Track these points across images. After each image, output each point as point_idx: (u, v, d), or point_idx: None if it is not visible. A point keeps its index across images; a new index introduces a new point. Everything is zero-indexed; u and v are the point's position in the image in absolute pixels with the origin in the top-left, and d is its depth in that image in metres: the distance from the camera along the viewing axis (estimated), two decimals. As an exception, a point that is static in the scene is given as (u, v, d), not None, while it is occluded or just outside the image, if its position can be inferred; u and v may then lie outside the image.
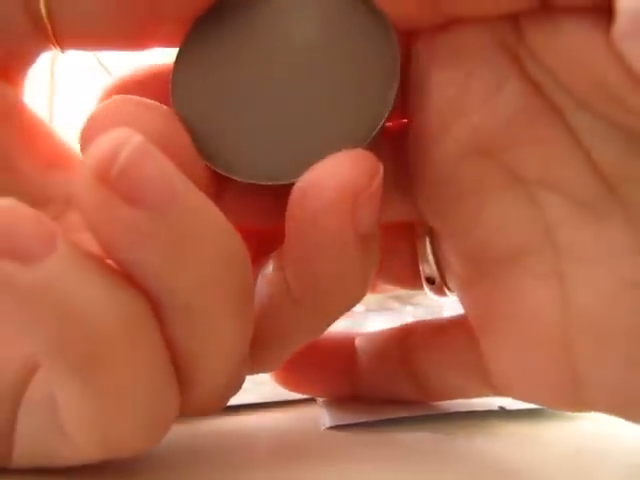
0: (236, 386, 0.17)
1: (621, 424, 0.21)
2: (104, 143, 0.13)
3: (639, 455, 0.19)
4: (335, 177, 0.15)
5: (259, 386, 0.23)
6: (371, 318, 0.38)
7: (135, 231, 0.13)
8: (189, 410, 0.16)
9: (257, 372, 0.19)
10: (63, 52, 0.18)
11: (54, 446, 0.15)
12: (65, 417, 0.14)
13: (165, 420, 0.15)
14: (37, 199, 0.19)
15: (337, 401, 0.23)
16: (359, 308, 0.38)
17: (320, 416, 0.22)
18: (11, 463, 0.16)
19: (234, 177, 0.17)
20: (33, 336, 0.13)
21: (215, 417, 0.21)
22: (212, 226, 0.14)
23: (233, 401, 0.21)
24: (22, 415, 0.15)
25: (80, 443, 0.14)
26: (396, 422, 0.21)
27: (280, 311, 0.17)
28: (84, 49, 0.18)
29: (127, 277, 0.14)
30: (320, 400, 0.23)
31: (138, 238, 0.13)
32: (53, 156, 0.19)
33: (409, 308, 0.40)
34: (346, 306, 0.17)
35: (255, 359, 0.17)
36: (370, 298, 0.42)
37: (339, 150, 0.15)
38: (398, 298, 0.43)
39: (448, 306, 0.38)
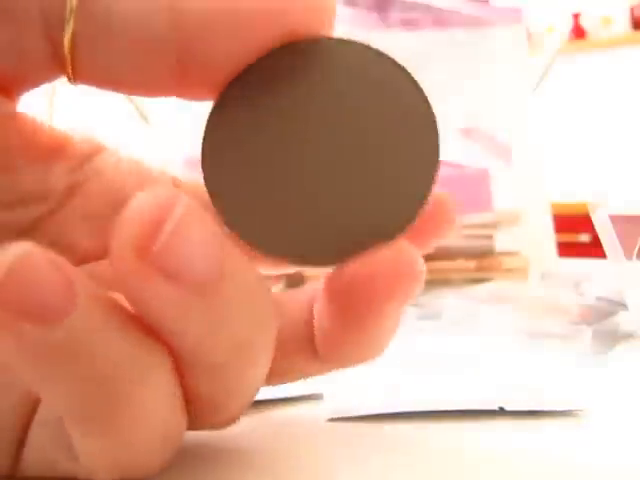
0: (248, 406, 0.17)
1: (622, 425, 0.21)
2: (146, 206, 0.12)
3: (639, 455, 0.19)
4: (389, 272, 0.15)
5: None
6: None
7: (175, 307, 0.12)
8: (200, 428, 0.17)
9: None
10: (75, 84, 0.17)
11: (62, 466, 0.15)
12: (78, 452, 0.14)
13: (173, 448, 0.15)
14: (37, 194, 0.19)
15: (339, 394, 0.23)
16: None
17: (321, 409, 0.22)
18: (16, 474, 0.16)
19: (262, 253, 0.16)
20: (52, 394, 0.13)
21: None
22: (252, 294, 0.14)
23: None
24: (32, 436, 0.15)
25: (87, 463, 0.14)
26: (396, 416, 0.21)
27: (298, 357, 0.18)
28: (99, 87, 0.17)
29: (148, 328, 0.13)
30: (322, 394, 0.23)
31: (178, 314, 0.13)
32: (50, 148, 0.19)
33: (409, 308, 0.40)
34: (363, 363, 0.18)
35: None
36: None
37: (372, 241, 0.16)
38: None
39: (448, 306, 0.38)
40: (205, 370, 0.14)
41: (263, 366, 0.15)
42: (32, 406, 0.15)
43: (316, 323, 0.18)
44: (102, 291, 0.13)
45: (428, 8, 0.56)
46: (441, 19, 0.56)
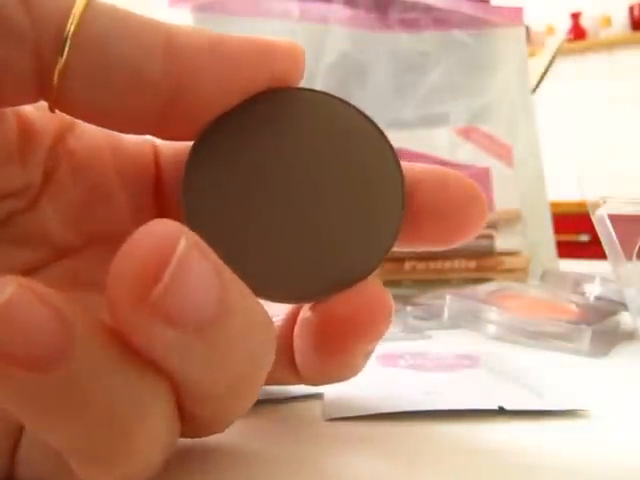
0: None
1: (622, 425, 0.21)
2: (145, 246, 0.11)
3: (639, 455, 0.19)
4: (360, 311, 0.17)
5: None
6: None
7: (176, 350, 0.12)
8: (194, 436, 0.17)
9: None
10: (53, 112, 0.17)
11: (56, 473, 0.15)
12: (77, 473, 0.14)
13: (165, 455, 0.15)
14: (13, 189, 0.18)
15: (338, 394, 0.23)
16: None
17: (319, 409, 0.22)
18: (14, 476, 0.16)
19: None
20: (51, 437, 0.12)
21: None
22: (254, 328, 0.14)
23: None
24: (24, 443, 0.15)
25: (78, 472, 0.14)
26: (395, 417, 0.21)
27: (276, 373, 0.19)
28: (76, 117, 0.17)
29: (144, 362, 0.13)
30: (321, 393, 0.23)
31: (179, 356, 0.12)
32: (22, 139, 0.18)
33: (409, 308, 0.40)
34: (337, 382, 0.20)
35: None
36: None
37: (353, 274, 0.17)
38: (398, 298, 0.43)
39: (449, 306, 0.38)
40: (203, 400, 0.14)
41: (258, 391, 0.16)
42: (18, 428, 0.15)
43: (295, 345, 0.19)
44: (97, 322, 0.12)
45: (428, 8, 0.56)
46: (441, 19, 0.56)
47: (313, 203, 0.17)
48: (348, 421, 0.21)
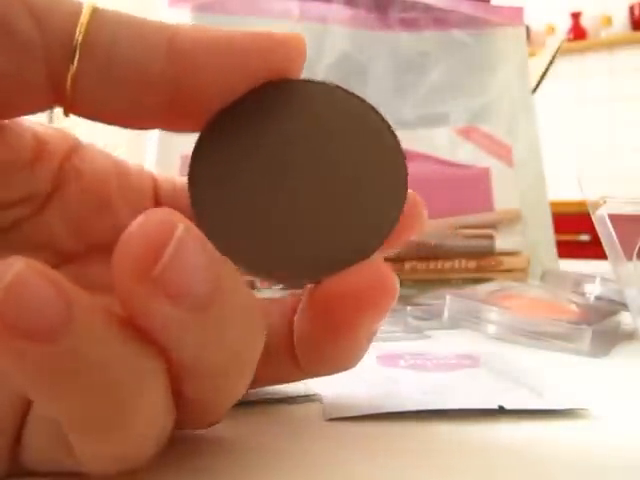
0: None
1: (622, 424, 0.21)
2: (147, 229, 0.12)
3: (639, 455, 0.19)
4: (363, 289, 0.17)
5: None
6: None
7: (175, 325, 0.13)
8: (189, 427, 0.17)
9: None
10: (67, 116, 0.18)
11: (60, 456, 0.15)
12: (76, 451, 0.14)
13: (162, 440, 0.16)
14: (20, 198, 0.19)
15: (338, 394, 0.23)
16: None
17: (319, 410, 0.22)
18: (21, 465, 0.16)
19: (250, 274, 0.17)
20: (53, 407, 0.13)
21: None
22: (246, 310, 0.15)
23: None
24: (29, 428, 0.15)
25: (88, 464, 0.15)
26: (395, 417, 0.21)
27: (275, 365, 0.19)
28: (90, 119, 0.18)
29: (146, 337, 0.14)
30: (321, 393, 0.23)
31: (178, 331, 0.13)
32: (32, 151, 0.19)
33: (409, 308, 0.40)
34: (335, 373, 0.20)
35: None
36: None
37: (355, 253, 0.17)
38: (398, 298, 0.42)
39: (449, 306, 0.38)
40: (199, 379, 0.15)
41: (250, 374, 0.16)
42: (24, 406, 0.15)
43: (296, 332, 0.19)
44: (98, 300, 0.13)
45: (428, 8, 0.56)
46: (441, 19, 0.56)
47: (316, 186, 0.18)
48: (348, 421, 0.21)
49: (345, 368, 0.19)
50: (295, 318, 0.19)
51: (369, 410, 0.21)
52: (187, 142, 0.18)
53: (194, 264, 0.12)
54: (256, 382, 0.17)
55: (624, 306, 0.34)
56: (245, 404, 0.22)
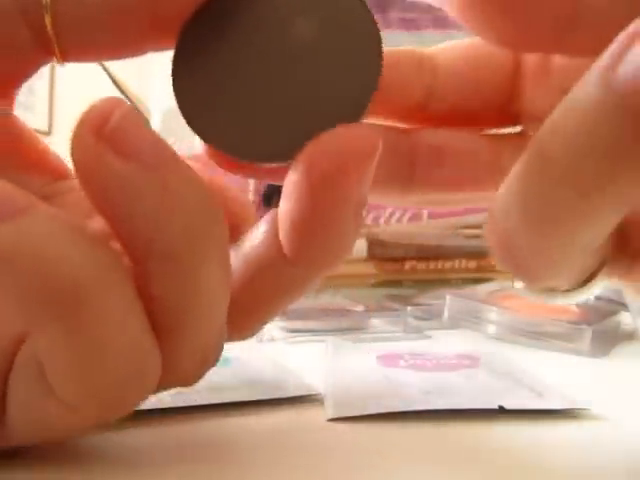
0: (216, 353, 0.17)
1: (622, 424, 0.21)
2: (99, 105, 0.14)
3: (639, 455, 0.19)
4: (343, 145, 0.16)
5: (256, 385, 0.23)
6: (371, 318, 0.38)
7: (127, 183, 0.14)
8: (171, 378, 0.16)
9: (233, 339, 0.19)
10: (63, 64, 0.18)
11: (45, 409, 0.15)
12: (49, 371, 0.15)
13: (147, 379, 0.15)
14: None
15: (339, 394, 0.23)
16: (359, 308, 0.39)
17: (320, 409, 0.22)
18: (9, 437, 0.16)
19: (235, 157, 0.18)
20: (6, 287, 0.14)
21: (216, 417, 0.21)
22: (196, 183, 0.15)
23: (231, 399, 0.21)
24: (12, 384, 0.16)
25: (65, 397, 0.15)
26: (395, 416, 0.21)
27: (270, 271, 0.18)
28: (84, 60, 0.19)
29: (104, 237, 0.15)
30: (323, 393, 0.23)
31: (130, 190, 0.14)
32: (30, 157, 0.20)
33: (409, 308, 0.40)
34: (334, 265, 0.18)
35: (235, 324, 0.18)
36: (370, 299, 0.42)
37: (335, 121, 0.17)
38: (398, 298, 0.43)
39: (449, 306, 0.38)
40: (160, 263, 0.15)
41: (223, 268, 0.16)
42: (11, 355, 0.16)
43: (281, 226, 0.18)
44: (59, 211, 0.14)
45: (428, 8, 0.56)
46: (441, 19, 0.56)
47: (295, 59, 0.18)
48: (349, 421, 0.21)
49: (335, 259, 0.18)
50: (279, 214, 0.18)
51: (369, 410, 0.21)
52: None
53: (140, 127, 0.14)
54: (248, 298, 0.18)
55: (624, 306, 0.34)
56: (245, 404, 0.22)
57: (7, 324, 0.16)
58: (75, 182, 0.20)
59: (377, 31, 0.18)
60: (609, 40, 0.13)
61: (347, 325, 0.37)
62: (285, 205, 0.17)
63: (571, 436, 0.20)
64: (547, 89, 0.20)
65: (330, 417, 0.21)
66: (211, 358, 0.17)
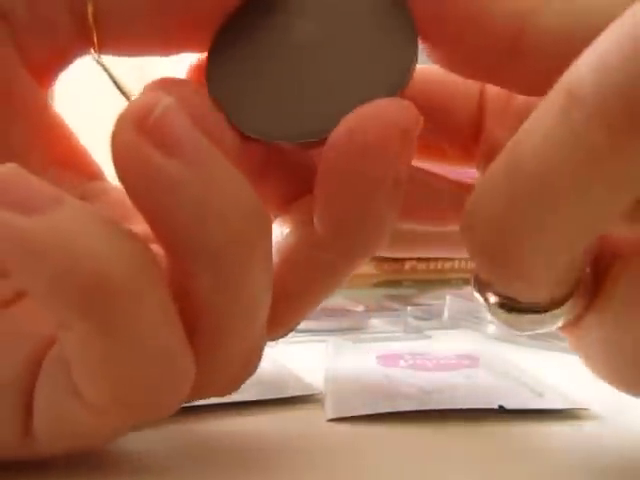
0: (256, 360, 0.17)
1: (622, 425, 0.21)
2: (141, 99, 0.14)
3: (639, 455, 0.19)
4: (382, 120, 0.15)
5: (256, 385, 0.23)
6: (371, 318, 0.38)
7: (167, 179, 0.14)
8: (208, 385, 0.16)
9: (271, 338, 0.18)
10: (100, 57, 0.19)
11: (72, 413, 0.15)
12: (76, 372, 0.14)
13: (179, 385, 0.15)
14: None
15: (339, 394, 0.23)
16: (359, 308, 0.39)
17: (320, 409, 0.22)
18: (36, 448, 0.16)
19: (267, 139, 0.18)
20: (36, 283, 0.13)
21: (215, 417, 0.21)
22: (240, 180, 0.15)
23: (231, 399, 0.21)
24: (39, 389, 0.15)
25: (93, 399, 0.14)
26: (395, 417, 0.21)
27: (306, 262, 0.18)
28: (121, 52, 0.19)
29: (141, 238, 0.14)
30: (322, 393, 0.23)
31: (170, 186, 0.14)
32: (65, 155, 0.20)
33: (409, 308, 0.40)
34: (369, 252, 0.18)
35: (272, 321, 0.17)
36: (370, 299, 0.42)
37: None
38: (398, 298, 0.43)
39: (449, 306, 0.38)
40: (202, 263, 0.14)
41: (266, 272, 0.15)
42: (36, 366, 0.15)
43: (316, 209, 0.17)
44: (90, 206, 0.14)
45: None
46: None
47: (329, 43, 0.18)
48: (349, 421, 0.21)
49: (370, 248, 0.18)
50: (315, 194, 0.17)
51: (370, 410, 0.21)
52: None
53: (182, 123, 0.14)
54: (290, 294, 0.18)
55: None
56: (246, 404, 0.22)
57: (36, 323, 0.15)
58: (108, 184, 0.20)
59: (410, 12, 0.18)
60: (549, 78, 0.13)
61: (347, 325, 0.37)
62: (320, 186, 0.17)
63: (571, 436, 0.20)
64: (507, 127, 0.20)
65: (330, 417, 0.21)
66: (251, 365, 0.17)
